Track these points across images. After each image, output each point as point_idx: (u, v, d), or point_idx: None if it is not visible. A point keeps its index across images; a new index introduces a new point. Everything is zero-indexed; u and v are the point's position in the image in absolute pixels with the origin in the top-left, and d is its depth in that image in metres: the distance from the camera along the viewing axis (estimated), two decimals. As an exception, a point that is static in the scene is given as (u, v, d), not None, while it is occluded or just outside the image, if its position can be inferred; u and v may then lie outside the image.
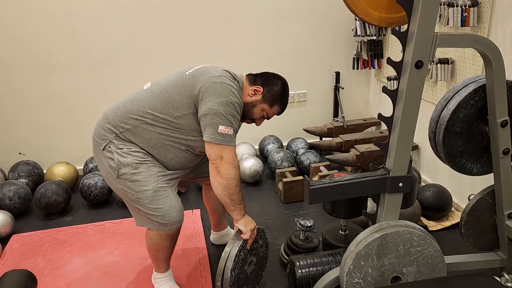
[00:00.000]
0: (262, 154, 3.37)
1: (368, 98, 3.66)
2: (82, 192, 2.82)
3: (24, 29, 2.93)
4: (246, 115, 1.89)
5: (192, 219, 2.62)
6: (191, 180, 2.12)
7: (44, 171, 3.12)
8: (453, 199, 2.60)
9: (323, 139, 3.48)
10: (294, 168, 2.99)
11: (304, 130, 3.41)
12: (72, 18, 2.97)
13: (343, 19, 3.33)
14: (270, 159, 3.15)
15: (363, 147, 2.94)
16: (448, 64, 2.50)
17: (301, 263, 1.96)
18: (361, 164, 2.91)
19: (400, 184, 1.71)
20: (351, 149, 2.98)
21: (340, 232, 2.19)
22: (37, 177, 3.05)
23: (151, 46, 3.14)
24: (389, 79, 2.94)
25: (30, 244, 2.44)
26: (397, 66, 1.60)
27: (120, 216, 2.72)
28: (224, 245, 2.33)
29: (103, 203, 2.89)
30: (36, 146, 3.22)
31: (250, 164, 3.03)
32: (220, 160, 1.74)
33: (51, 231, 2.56)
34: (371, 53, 3.26)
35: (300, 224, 2.17)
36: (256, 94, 1.87)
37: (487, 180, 2.38)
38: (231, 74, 1.82)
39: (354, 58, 3.32)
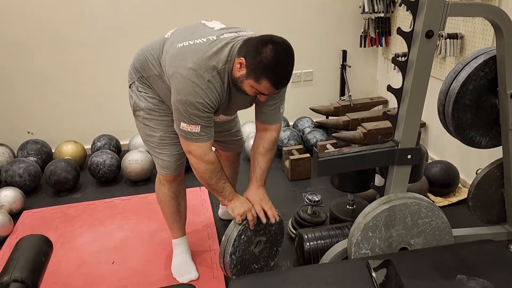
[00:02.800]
0: (269, 133, 3.37)
1: (375, 77, 3.63)
2: (90, 170, 2.84)
3: (32, 7, 2.92)
4: (242, 90, 1.64)
5: (200, 195, 2.65)
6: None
7: (53, 150, 3.15)
8: (460, 176, 2.60)
9: (329, 118, 3.48)
10: (301, 146, 2.99)
11: (310, 109, 3.40)
12: (77, -4, 2.96)
13: (350, -4, 3.30)
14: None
15: (370, 125, 2.94)
16: (457, 39, 2.48)
17: (309, 236, 1.98)
18: (368, 142, 2.91)
19: (409, 156, 1.72)
20: (358, 127, 2.98)
21: (348, 206, 2.21)
22: (45, 155, 3.08)
23: (159, 23, 3.12)
24: (396, 56, 2.91)
25: (41, 219, 2.48)
26: (407, 36, 1.59)
27: (129, 193, 2.75)
28: (231, 220, 2.38)
29: (112, 180, 2.92)
30: (45, 125, 3.24)
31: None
32: (189, 154, 1.68)
33: (62, 207, 2.60)
34: (378, 31, 3.23)
35: (307, 199, 2.18)
36: (241, 67, 1.55)
37: (494, 156, 2.38)
38: (209, 64, 1.55)
39: (361, 36, 3.29)
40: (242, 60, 1.54)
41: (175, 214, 2.02)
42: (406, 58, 1.63)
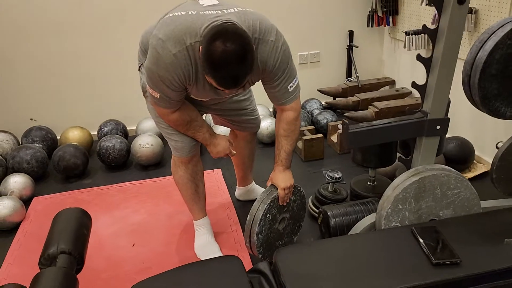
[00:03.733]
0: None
1: (381, 57, 3.61)
2: (100, 155, 2.79)
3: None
4: None
5: (215, 177, 2.61)
6: (219, 120, 2.08)
7: (58, 137, 3.08)
8: (475, 152, 2.60)
9: (338, 99, 3.45)
10: (312, 127, 2.97)
11: (318, 90, 3.38)
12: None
13: (357, -25, 3.27)
14: (286, 119, 3.11)
15: (381, 104, 2.92)
16: (472, 13, 2.46)
17: (334, 212, 1.97)
18: (380, 121, 2.89)
19: (438, 127, 1.71)
20: (369, 107, 2.96)
21: (369, 183, 2.20)
22: (51, 142, 3.01)
23: (162, 4, 3.04)
24: (407, 33, 2.89)
25: (53, 205, 2.42)
26: (438, 3, 1.56)
27: (141, 178, 2.70)
28: (249, 201, 2.36)
29: (121, 165, 2.86)
30: (48, 112, 3.16)
31: (268, 124, 3.00)
32: (156, 111, 1.74)
33: (73, 193, 2.55)
34: (386, 10, 3.20)
35: (328, 176, 2.16)
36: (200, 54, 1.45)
37: (509, 131, 2.38)
38: (178, 38, 1.47)
39: (368, 16, 3.26)
40: (201, 47, 1.43)
41: (194, 195, 1.98)
42: (436, 26, 1.60)
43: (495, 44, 1.70)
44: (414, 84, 1.71)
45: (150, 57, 1.55)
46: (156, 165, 2.85)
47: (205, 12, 1.52)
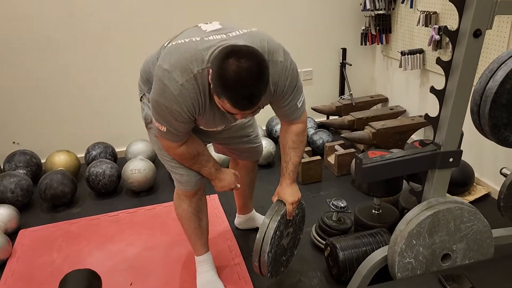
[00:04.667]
0: (270, 135, 3.27)
1: (373, 75, 3.59)
2: (89, 182, 2.65)
3: (16, 3, 2.68)
4: None
5: (212, 204, 2.51)
6: (222, 149, 2.02)
7: (43, 161, 2.93)
8: (475, 174, 2.59)
9: (330, 117, 3.41)
10: (309, 148, 2.91)
11: (312, 108, 3.32)
12: (67, -6, 2.75)
13: (350, -7, 3.24)
14: (281, 139, 3.05)
15: (378, 124, 2.89)
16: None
17: (343, 244, 1.90)
18: (377, 142, 2.86)
19: (451, 160, 1.67)
20: (366, 127, 2.92)
21: (374, 211, 2.14)
22: (35, 167, 2.85)
23: (153, 23, 2.95)
24: (403, 53, 2.88)
25: (41, 239, 2.28)
26: (452, 35, 1.53)
27: (133, 205, 2.58)
28: (250, 230, 2.28)
29: (112, 192, 2.73)
30: (32, 135, 3.01)
31: (263, 145, 2.92)
32: (161, 144, 1.67)
33: (62, 224, 2.40)
34: (379, 28, 3.19)
35: (333, 205, 2.10)
36: (211, 78, 1.37)
37: (509, 154, 2.38)
38: (184, 67, 1.39)
39: (362, 34, 3.23)
40: (210, 70, 1.36)
41: (197, 230, 1.89)
42: (450, 58, 1.56)
43: (506, 74, 1.68)
44: (426, 116, 1.66)
45: (156, 89, 1.46)
46: (148, 191, 2.74)
47: (209, 38, 1.46)
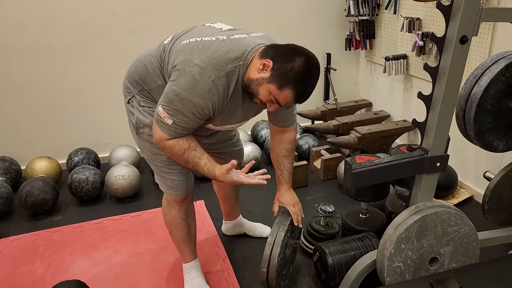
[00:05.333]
0: (256, 140, 3.27)
1: (357, 80, 3.63)
2: (71, 188, 2.59)
3: (-6, 9, 2.62)
4: (253, 94, 1.51)
5: (198, 210, 2.48)
6: (211, 153, 1.98)
7: (22, 167, 2.85)
8: (458, 178, 2.63)
9: (315, 122, 3.43)
10: (295, 153, 2.91)
11: (297, 113, 3.32)
12: (47, -2, 2.69)
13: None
14: (267, 144, 3.05)
15: (363, 129, 2.91)
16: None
17: (331, 249, 1.90)
18: (363, 146, 2.88)
19: (438, 164, 1.68)
20: (351, 131, 2.94)
21: (361, 215, 2.15)
22: (15, 174, 2.78)
23: (134, 28, 2.92)
24: (387, 59, 2.92)
25: (22, 248, 2.21)
26: (439, 41, 1.55)
27: (118, 212, 2.54)
28: (237, 236, 2.26)
29: (95, 199, 2.68)
30: (11, 141, 2.94)
31: (249, 150, 2.92)
32: (153, 133, 1.57)
33: (44, 233, 2.34)
34: (363, 34, 3.22)
35: (321, 210, 2.10)
36: (264, 70, 1.44)
37: (491, 157, 2.43)
38: (216, 64, 1.43)
39: (346, 39, 3.26)
40: (269, 62, 1.43)
41: (186, 236, 1.86)
42: (437, 64, 1.58)
43: (490, 80, 1.71)
44: (414, 122, 1.68)
45: (182, 83, 1.44)
46: (133, 197, 2.69)
47: (235, 36, 1.52)
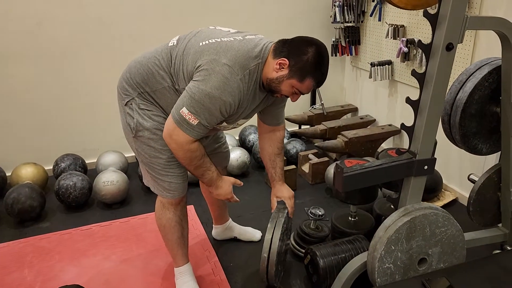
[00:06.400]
0: (244, 145, 3.29)
1: (342, 85, 3.69)
2: (59, 195, 2.56)
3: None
4: (275, 91, 1.62)
5: (188, 215, 2.46)
6: None
7: (8, 174, 2.81)
8: (443, 181, 2.69)
9: (302, 126, 3.47)
10: (284, 158, 2.93)
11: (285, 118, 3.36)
12: (32, 2, 2.66)
13: (320, 6, 3.32)
14: (255, 149, 3.07)
15: (350, 133, 2.96)
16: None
17: (322, 252, 1.93)
18: (350, 150, 2.93)
19: (426, 167, 1.73)
20: (338, 136, 2.99)
21: (350, 218, 2.19)
22: (0, 180, 2.75)
23: (123, 34, 2.92)
24: (373, 64, 2.98)
25: (10, 255, 2.17)
26: (426, 48, 1.60)
27: (106, 218, 2.52)
28: (228, 240, 2.27)
29: (83, 205, 2.65)
30: (-5, 147, 2.88)
31: (237, 155, 2.93)
32: (170, 138, 1.56)
33: (32, 240, 2.31)
34: (348, 40, 3.28)
35: (311, 213, 2.13)
36: (281, 68, 1.55)
37: (474, 160, 2.50)
38: (242, 63, 1.53)
39: (332, 45, 3.32)
40: (285, 60, 1.55)
41: (179, 240, 1.87)
42: (424, 70, 1.63)
43: (474, 85, 1.78)
44: (403, 126, 1.72)
45: (212, 82, 1.49)
46: (121, 203, 2.68)
47: (249, 37, 1.62)
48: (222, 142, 2.05)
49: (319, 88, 3.46)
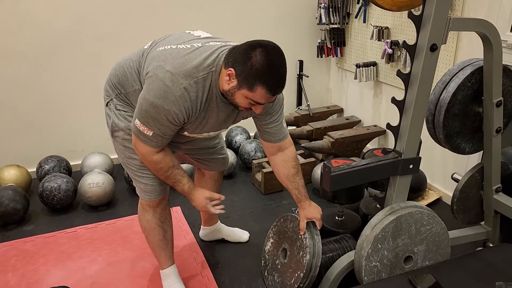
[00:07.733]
0: (230, 146, 3.28)
1: (328, 86, 3.72)
2: (42, 197, 2.52)
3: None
4: (233, 104, 1.53)
5: (175, 216, 2.47)
6: (187, 158, 1.99)
7: (-10, 177, 2.75)
8: (427, 180, 2.73)
9: (288, 127, 3.48)
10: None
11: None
12: (14, 2, 2.62)
13: (306, 7, 3.34)
14: (242, 150, 3.07)
15: (336, 134, 2.98)
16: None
17: (310, 252, 1.93)
18: (336, 151, 2.95)
19: (411, 166, 1.75)
20: (324, 137, 3.01)
21: (337, 218, 2.21)
22: (-18, 183, 2.68)
23: (108, 34, 2.89)
24: (358, 66, 3.01)
25: (-8, 259, 2.13)
26: (411, 49, 1.62)
27: (92, 220, 2.49)
28: (215, 241, 2.27)
29: (67, 207, 2.61)
30: (-24, 149, 2.82)
31: (228, 157, 2.92)
32: (135, 149, 1.59)
33: (15, 243, 2.26)
34: (334, 41, 3.31)
35: (298, 213, 2.13)
36: (230, 79, 1.43)
37: (457, 159, 2.55)
38: (188, 71, 1.44)
39: (318, 46, 3.34)
40: (231, 70, 1.42)
41: (161, 242, 1.85)
42: (409, 71, 1.66)
43: (457, 86, 1.81)
44: (388, 126, 1.74)
45: (154, 90, 1.44)
46: (107, 205, 2.65)
47: (210, 44, 1.52)
48: (218, 147, 2.01)
49: (305, 89, 3.49)
